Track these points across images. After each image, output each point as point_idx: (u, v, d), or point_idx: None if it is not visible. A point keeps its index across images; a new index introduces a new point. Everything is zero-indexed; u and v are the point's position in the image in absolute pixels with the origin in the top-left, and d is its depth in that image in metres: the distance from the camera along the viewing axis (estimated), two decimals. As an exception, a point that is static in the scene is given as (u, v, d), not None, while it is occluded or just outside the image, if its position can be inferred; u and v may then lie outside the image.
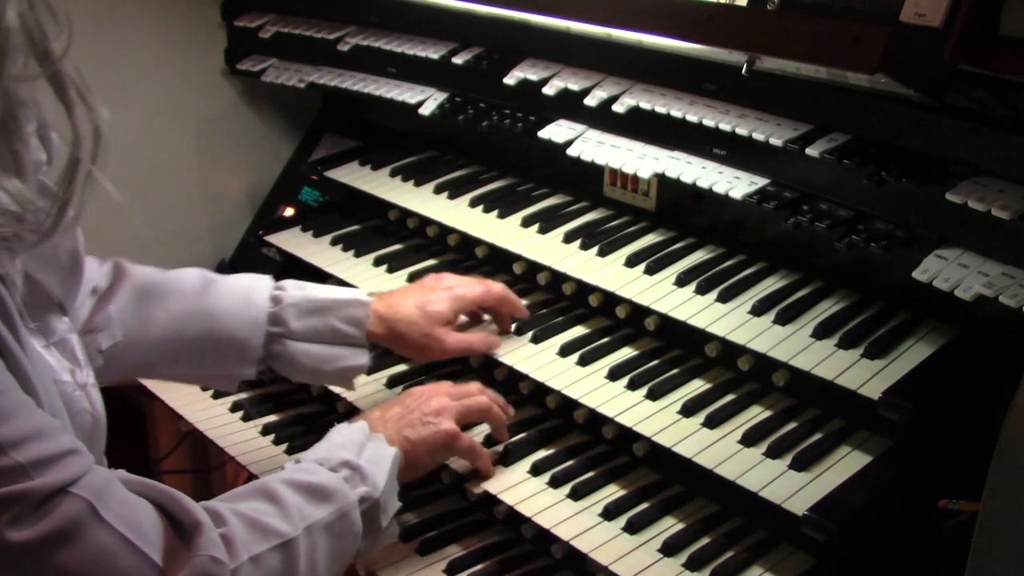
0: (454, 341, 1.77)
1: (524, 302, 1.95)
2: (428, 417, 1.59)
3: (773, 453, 1.53)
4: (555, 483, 1.65)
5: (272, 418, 2.04)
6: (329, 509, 1.35)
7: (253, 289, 1.73)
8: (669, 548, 1.51)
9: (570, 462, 1.70)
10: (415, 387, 1.69)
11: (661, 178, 1.86)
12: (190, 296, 1.68)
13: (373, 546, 1.47)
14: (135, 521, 1.13)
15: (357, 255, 2.19)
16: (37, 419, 1.09)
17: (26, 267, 1.21)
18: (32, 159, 1.10)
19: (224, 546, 1.18)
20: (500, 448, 1.71)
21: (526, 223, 2.04)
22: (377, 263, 2.15)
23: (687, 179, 1.79)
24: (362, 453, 1.46)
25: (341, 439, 1.49)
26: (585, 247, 1.92)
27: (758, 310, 1.68)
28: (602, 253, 1.90)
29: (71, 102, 1.07)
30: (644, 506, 1.61)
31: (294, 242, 2.30)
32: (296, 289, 1.74)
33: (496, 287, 1.84)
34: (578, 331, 1.86)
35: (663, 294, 1.77)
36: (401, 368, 1.97)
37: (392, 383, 1.94)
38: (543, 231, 2.00)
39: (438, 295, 1.77)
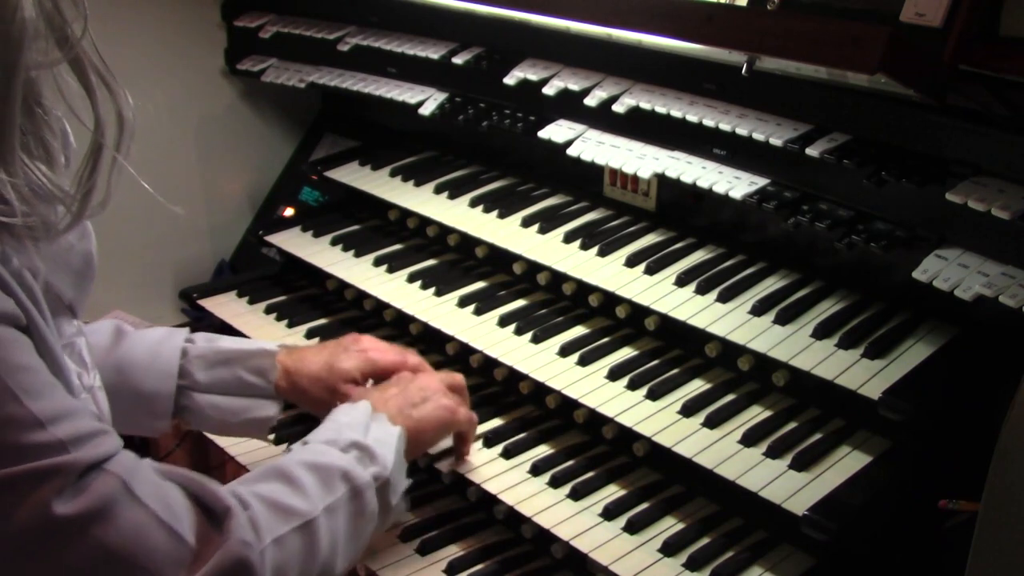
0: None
1: (524, 302, 1.95)
2: (427, 392, 1.61)
3: (773, 453, 1.53)
4: (555, 483, 1.65)
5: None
6: (344, 489, 1.36)
7: (163, 342, 1.69)
8: (669, 548, 1.51)
9: (570, 462, 1.70)
10: (403, 373, 1.69)
11: (661, 178, 1.86)
12: (100, 350, 1.64)
13: (384, 524, 1.48)
14: (166, 501, 1.14)
15: (357, 255, 2.19)
16: (68, 400, 1.11)
17: None
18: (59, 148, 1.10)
19: (252, 529, 1.20)
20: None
21: (526, 223, 2.04)
22: (377, 263, 2.15)
23: (687, 179, 1.79)
24: (368, 433, 1.47)
25: (346, 419, 1.49)
26: (585, 247, 1.92)
27: (758, 310, 1.68)
28: (602, 253, 1.90)
29: (92, 87, 1.08)
30: (644, 506, 1.61)
31: (294, 242, 2.30)
32: (205, 341, 1.71)
33: (412, 360, 1.76)
34: (578, 331, 1.86)
35: (663, 294, 1.77)
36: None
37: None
38: (543, 231, 2.00)
39: (349, 353, 1.73)
